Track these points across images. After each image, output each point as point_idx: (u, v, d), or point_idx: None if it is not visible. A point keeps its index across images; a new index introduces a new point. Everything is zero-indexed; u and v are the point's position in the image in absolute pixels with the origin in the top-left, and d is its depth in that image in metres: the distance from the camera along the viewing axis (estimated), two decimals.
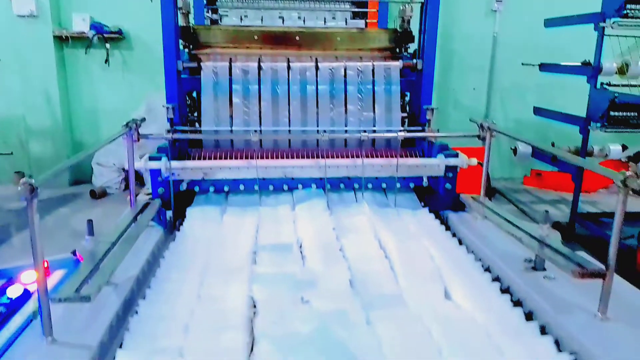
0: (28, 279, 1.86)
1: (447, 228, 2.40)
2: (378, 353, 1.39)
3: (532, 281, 1.79)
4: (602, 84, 4.37)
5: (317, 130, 2.58)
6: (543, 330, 1.57)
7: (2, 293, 1.79)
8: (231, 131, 2.62)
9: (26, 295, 1.76)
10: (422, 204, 2.63)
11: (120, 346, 1.42)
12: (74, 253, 2.01)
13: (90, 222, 1.80)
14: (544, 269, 1.86)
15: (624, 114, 4.31)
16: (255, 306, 1.64)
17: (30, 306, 1.64)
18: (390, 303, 1.68)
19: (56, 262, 1.95)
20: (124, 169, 6.26)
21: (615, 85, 4.43)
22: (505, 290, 1.82)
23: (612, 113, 4.19)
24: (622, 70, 4.44)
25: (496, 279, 1.90)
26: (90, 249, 1.71)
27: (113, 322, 1.53)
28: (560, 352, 1.44)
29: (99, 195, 6.14)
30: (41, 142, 7.13)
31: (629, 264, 3.94)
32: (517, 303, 1.74)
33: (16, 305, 1.69)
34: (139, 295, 1.71)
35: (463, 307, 1.68)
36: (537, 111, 5.23)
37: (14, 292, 1.77)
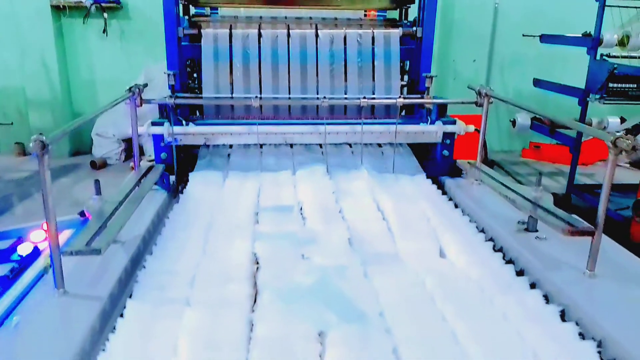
0: (37, 237, 1.92)
1: (444, 193, 2.46)
2: (375, 302, 1.46)
3: (525, 241, 1.86)
4: (602, 55, 4.37)
5: (317, 97, 2.61)
6: (533, 287, 1.64)
7: (13, 251, 1.85)
8: (232, 97, 2.65)
9: (36, 252, 1.82)
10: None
11: (130, 296, 1.48)
12: (81, 214, 2.07)
13: (97, 182, 1.85)
14: (536, 230, 1.92)
15: (623, 85, 4.32)
16: (257, 262, 1.70)
17: (41, 262, 1.70)
18: (387, 260, 1.75)
19: (64, 222, 2.01)
20: (123, 140, 6.28)
21: (615, 57, 4.42)
22: (498, 250, 1.89)
23: (611, 85, 4.20)
24: (622, 42, 4.42)
25: (490, 239, 1.97)
26: (98, 207, 1.76)
27: (122, 276, 1.59)
28: (549, 304, 1.51)
29: (99, 165, 6.17)
30: (41, 112, 7.11)
31: (624, 234, 4.02)
32: (509, 262, 1.80)
33: (27, 262, 1.75)
34: (146, 251, 1.77)
35: (457, 263, 1.76)
36: (537, 83, 5.23)
37: (24, 249, 1.84)
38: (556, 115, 1.51)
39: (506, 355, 1.27)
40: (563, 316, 1.47)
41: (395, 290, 1.53)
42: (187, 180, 2.42)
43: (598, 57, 4.34)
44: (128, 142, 6.34)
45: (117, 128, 6.29)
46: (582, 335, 1.36)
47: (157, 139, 2.46)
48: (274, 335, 1.30)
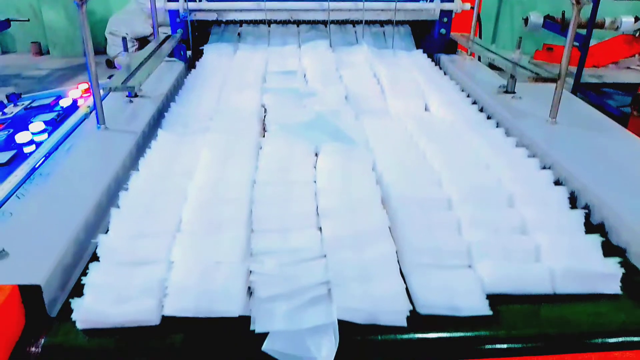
0: (75, 94, 2.21)
1: (439, 68, 2.66)
2: (362, 133, 1.77)
3: (502, 100, 2.10)
4: None
5: None
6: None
7: (56, 104, 2.15)
8: None
9: (74, 105, 2.12)
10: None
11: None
12: (110, 66, 2.35)
13: (124, 39, 2.09)
14: (514, 92, 2.15)
15: None
16: (265, 110, 1.99)
17: (82, 110, 2.00)
18: (377, 112, 2.03)
19: None
20: (136, 39, 6.41)
21: None
22: (480, 110, 2.13)
23: None
24: None
25: (474, 103, 2.20)
26: (127, 61, 2.03)
27: (151, 120, 1.89)
28: (517, 147, 1.77)
29: (115, 64, 6.36)
30: (54, 10, 7.18)
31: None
32: (488, 118, 2.05)
33: (68, 111, 2.05)
34: (169, 103, 2.06)
35: (438, 114, 2.02)
36: None
37: (65, 102, 2.14)
38: (570, 13, 1.64)
39: (466, 168, 1.54)
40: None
41: (381, 129, 1.82)
42: (202, 54, 2.66)
43: None
44: (141, 41, 6.47)
45: (130, 27, 6.39)
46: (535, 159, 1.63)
47: (173, 14, 2.66)
48: (278, 151, 1.61)
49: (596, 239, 1.21)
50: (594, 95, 5.51)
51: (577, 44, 5.35)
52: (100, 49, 6.52)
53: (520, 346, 1.05)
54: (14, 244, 1.13)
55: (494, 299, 1.08)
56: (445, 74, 2.55)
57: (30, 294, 1.03)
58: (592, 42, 6.51)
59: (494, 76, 2.40)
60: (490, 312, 1.04)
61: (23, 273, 1.05)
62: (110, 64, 6.60)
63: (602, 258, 1.17)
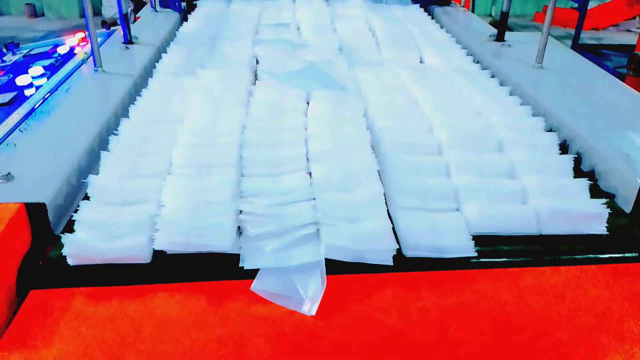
0: (72, 42, 2.25)
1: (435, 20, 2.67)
2: (354, 82, 1.79)
3: (492, 48, 2.14)
4: None
5: None
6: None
7: (53, 52, 2.19)
8: None
9: (71, 53, 2.16)
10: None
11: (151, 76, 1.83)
12: (102, 23, 2.38)
13: None
14: (504, 40, 2.18)
15: None
16: (257, 61, 2.02)
17: (80, 56, 2.04)
18: (371, 63, 2.05)
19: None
20: (131, 0, 6.32)
21: None
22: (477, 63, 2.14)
23: None
24: None
25: (469, 55, 2.21)
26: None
27: (146, 64, 1.94)
28: (502, 86, 1.82)
29: (110, 24, 6.30)
30: None
31: None
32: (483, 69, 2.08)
33: (65, 57, 2.09)
34: (163, 51, 2.09)
35: (431, 63, 2.06)
36: None
37: (62, 50, 2.17)
38: None
39: (457, 115, 1.56)
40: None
41: (374, 77, 1.85)
42: (195, 6, 2.67)
43: None
44: (136, 2, 6.38)
45: None
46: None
47: None
48: (269, 98, 1.64)
49: (584, 182, 1.22)
50: (592, 56, 5.48)
51: (576, 4, 5.30)
52: (96, 10, 6.45)
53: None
54: (20, 169, 1.19)
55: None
56: (441, 27, 2.56)
57: (36, 211, 1.10)
58: (593, 4, 6.44)
59: (486, 26, 2.43)
60: (475, 254, 1.07)
61: (29, 193, 1.13)
62: (105, 24, 6.55)
63: (589, 199, 1.19)
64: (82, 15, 7.07)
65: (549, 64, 1.89)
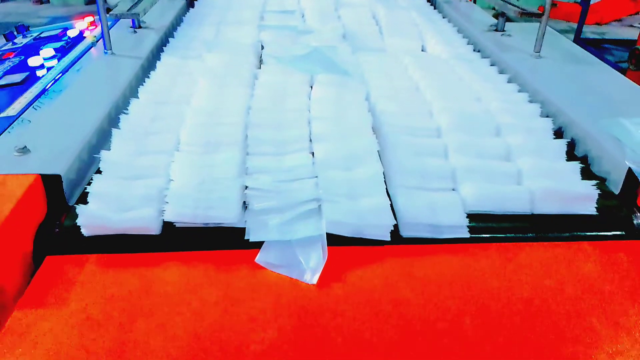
0: (82, 26, 2.29)
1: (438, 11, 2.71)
2: (357, 67, 1.84)
3: (492, 37, 2.18)
4: None
5: None
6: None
7: (63, 35, 2.23)
8: None
9: (80, 36, 2.20)
10: None
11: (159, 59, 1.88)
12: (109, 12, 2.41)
13: None
14: (504, 30, 2.23)
15: None
16: (262, 46, 2.07)
17: (89, 39, 2.08)
18: (374, 49, 2.10)
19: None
20: None
21: None
22: (478, 51, 2.18)
23: None
24: None
25: (469, 43, 2.25)
26: None
27: (154, 48, 1.99)
28: (501, 74, 1.87)
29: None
30: None
31: None
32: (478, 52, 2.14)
33: (75, 41, 2.14)
34: (170, 35, 2.15)
35: (433, 52, 2.10)
36: None
37: (72, 33, 2.22)
38: None
39: (457, 100, 1.61)
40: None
41: (376, 63, 1.90)
42: None
43: None
44: None
45: None
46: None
47: None
48: (274, 81, 1.69)
49: (576, 165, 1.28)
50: (594, 50, 5.51)
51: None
52: None
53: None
54: (35, 143, 1.25)
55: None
56: (443, 17, 2.60)
57: (51, 183, 1.16)
58: None
59: (487, 16, 2.47)
60: (467, 235, 1.12)
61: (44, 165, 1.18)
62: (109, 11, 6.58)
63: (581, 181, 1.24)
64: (87, 2, 7.12)
65: (547, 54, 1.94)
